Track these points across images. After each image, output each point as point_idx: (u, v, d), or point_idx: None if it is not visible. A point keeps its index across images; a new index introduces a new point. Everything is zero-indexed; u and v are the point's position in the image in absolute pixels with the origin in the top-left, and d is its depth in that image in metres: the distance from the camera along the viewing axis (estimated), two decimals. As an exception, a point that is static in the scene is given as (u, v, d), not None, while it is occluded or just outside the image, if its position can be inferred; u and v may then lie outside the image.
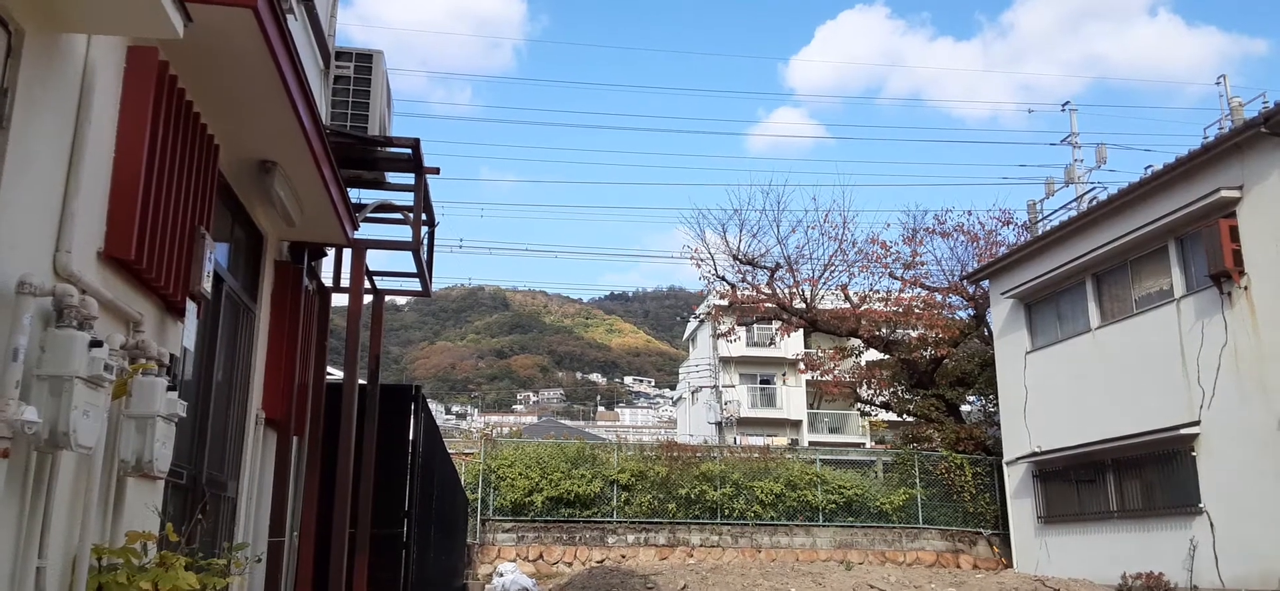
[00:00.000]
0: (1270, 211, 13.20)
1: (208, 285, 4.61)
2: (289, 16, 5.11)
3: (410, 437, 8.93)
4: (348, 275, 7.96)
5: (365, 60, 7.54)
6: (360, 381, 7.94)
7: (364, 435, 7.52)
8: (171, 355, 4.27)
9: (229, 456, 5.79)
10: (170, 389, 3.88)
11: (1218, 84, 24.40)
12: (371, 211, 7.85)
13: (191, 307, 4.57)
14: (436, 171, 7.96)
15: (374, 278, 8.82)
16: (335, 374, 10.98)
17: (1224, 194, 13.70)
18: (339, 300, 8.47)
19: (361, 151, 7.36)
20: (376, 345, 8.29)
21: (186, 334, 4.66)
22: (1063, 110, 28.22)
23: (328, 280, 8.22)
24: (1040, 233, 19.61)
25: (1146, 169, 15.99)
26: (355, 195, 7.73)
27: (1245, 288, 13.55)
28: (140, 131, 3.76)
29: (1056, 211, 22.42)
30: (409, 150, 7.39)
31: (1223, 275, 13.67)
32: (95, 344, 3.20)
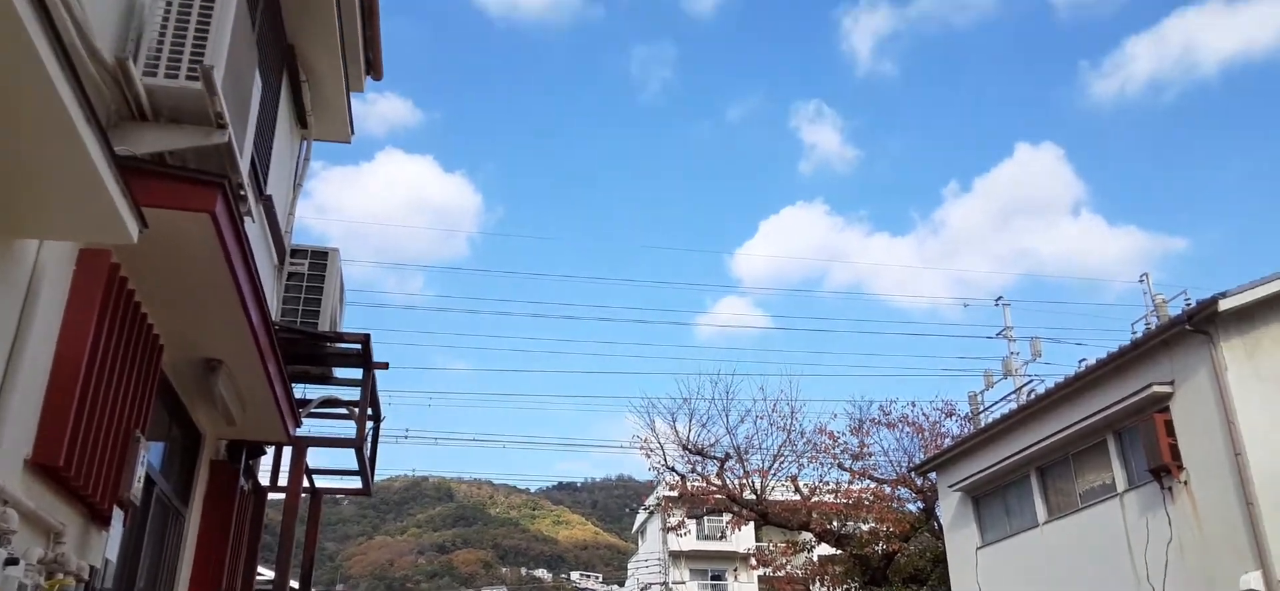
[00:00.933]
0: (1201, 406, 13.61)
1: (138, 490, 4.41)
2: (247, 218, 5.17)
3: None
4: (286, 471, 7.69)
5: (320, 257, 7.60)
6: (292, 585, 7.52)
7: (294, 647, 7.05)
8: (92, 567, 4.02)
9: (144, 676, 5.35)
10: (87, 606, 3.63)
11: (1141, 281, 25.75)
12: (315, 407, 7.70)
13: (118, 515, 4.34)
14: (385, 367, 7.90)
15: (313, 475, 8.53)
16: (265, 574, 10.38)
17: (1156, 389, 14.12)
18: (276, 494, 8.15)
19: (310, 347, 7.30)
20: (311, 546, 7.94)
21: (110, 544, 4.40)
22: (996, 305, 29.29)
23: (265, 474, 7.93)
24: (982, 425, 19.90)
25: (1080, 362, 16.48)
26: (300, 390, 7.60)
27: (1185, 482, 13.78)
28: (83, 336, 3.68)
29: (997, 403, 22.90)
30: (359, 346, 7.35)
31: (1162, 470, 13.89)
32: (11, 561, 3.00)
